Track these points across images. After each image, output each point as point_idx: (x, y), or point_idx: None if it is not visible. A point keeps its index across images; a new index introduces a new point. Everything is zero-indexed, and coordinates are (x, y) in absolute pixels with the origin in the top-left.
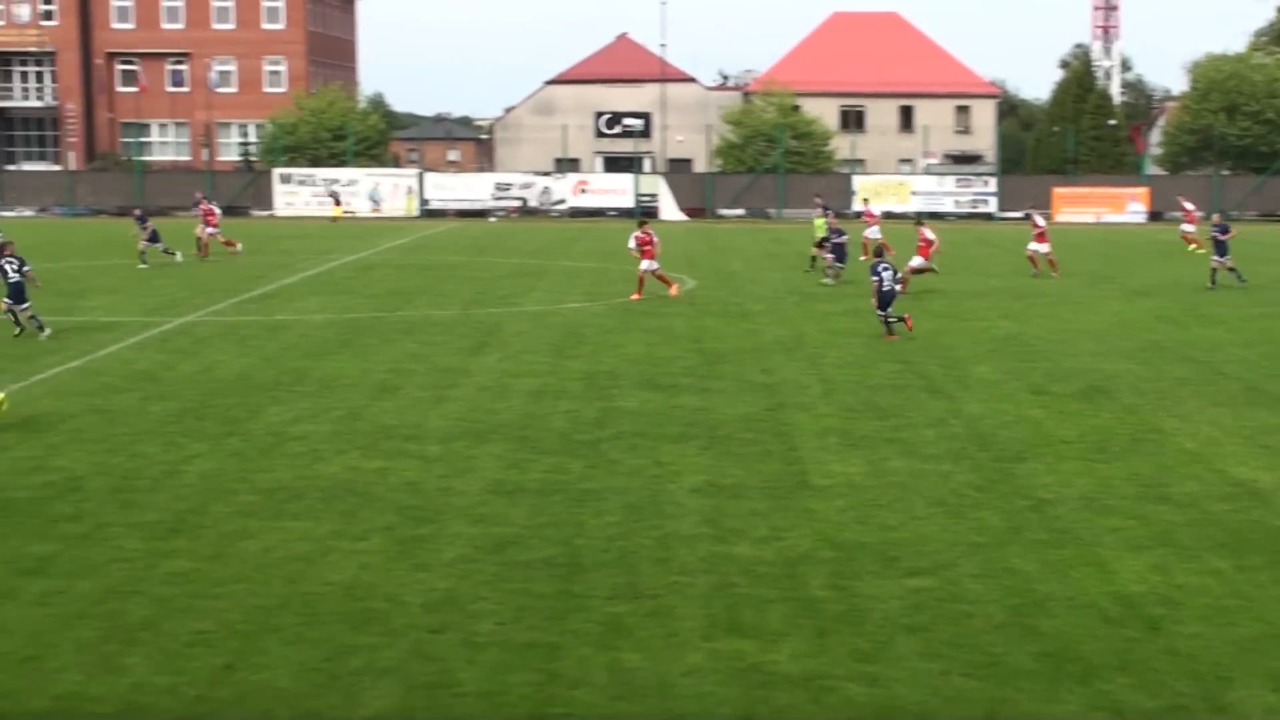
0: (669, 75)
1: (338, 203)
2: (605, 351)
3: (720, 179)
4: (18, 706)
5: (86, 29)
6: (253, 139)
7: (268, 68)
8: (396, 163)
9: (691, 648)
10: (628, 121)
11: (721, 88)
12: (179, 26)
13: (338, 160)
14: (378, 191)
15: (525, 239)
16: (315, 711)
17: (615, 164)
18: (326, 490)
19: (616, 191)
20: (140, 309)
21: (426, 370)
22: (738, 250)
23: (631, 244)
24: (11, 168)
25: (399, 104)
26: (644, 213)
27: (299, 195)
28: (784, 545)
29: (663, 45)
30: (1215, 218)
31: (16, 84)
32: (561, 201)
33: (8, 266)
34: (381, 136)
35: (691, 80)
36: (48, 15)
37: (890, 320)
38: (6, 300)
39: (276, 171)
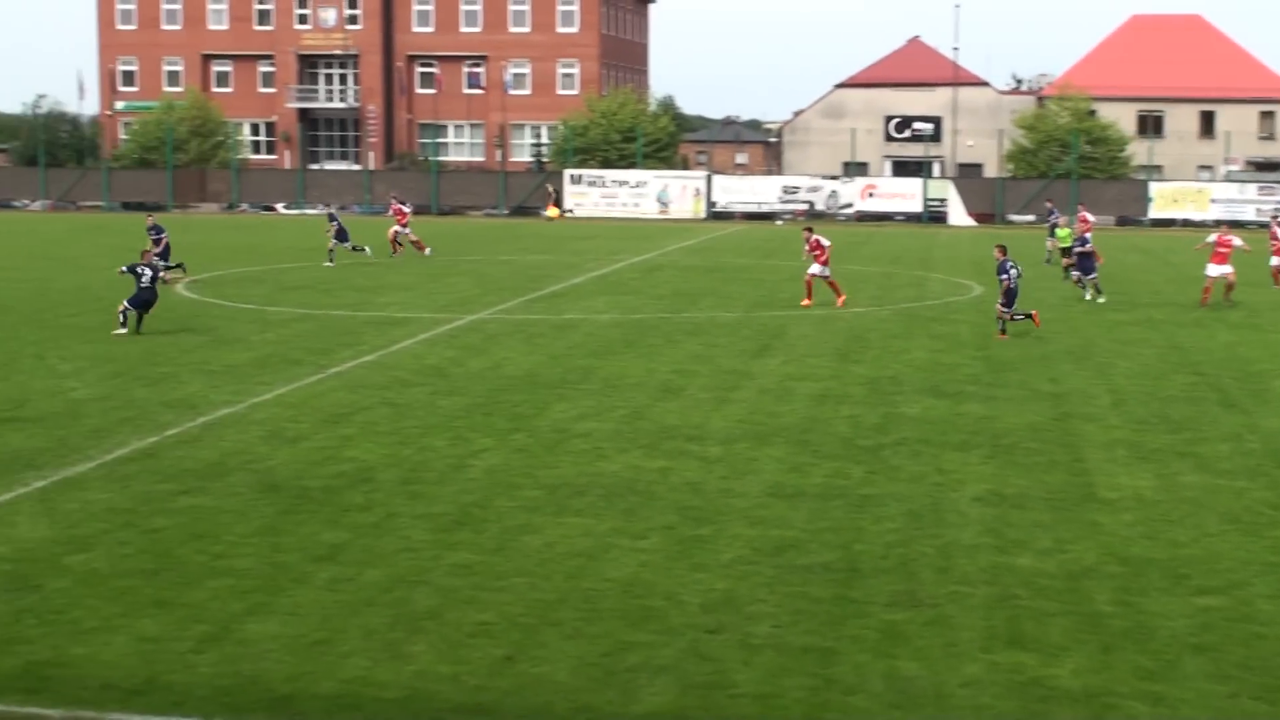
0: (961, 79)
1: (557, 203)
2: (889, 357)
3: (1011, 184)
4: (308, 689)
5: (388, 33)
6: (545, 140)
7: (561, 70)
8: (685, 165)
9: (970, 659)
10: (917, 125)
11: (1014, 92)
12: (476, 30)
13: (627, 162)
14: (666, 193)
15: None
16: (592, 706)
17: (904, 168)
18: (608, 488)
19: (905, 196)
20: (432, 305)
21: (710, 372)
22: (1026, 257)
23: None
24: (314, 166)
25: (688, 107)
26: (931, 218)
27: (588, 196)
28: (1068, 558)
29: (955, 49)
30: None
31: (321, 86)
32: (848, 205)
33: (145, 271)
34: (671, 139)
35: (984, 84)
36: (352, 20)
37: (1015, 317)
38: (129, 304)
39: (567, 172)
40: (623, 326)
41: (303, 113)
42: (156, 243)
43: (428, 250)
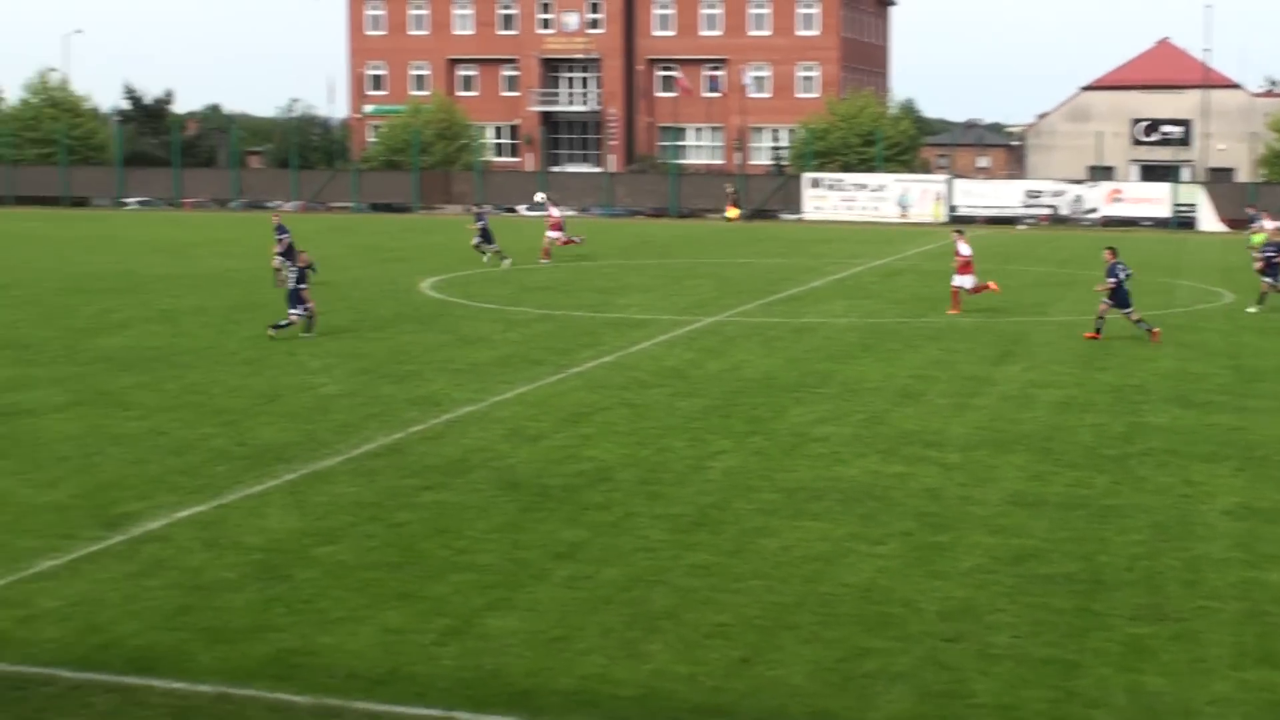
0: (1211, 81)
1: (736, 204)
2: (1135, 365)
3: (1265, 189)
4: (546, 684)
5: (630, 37)
6: (784, 143)
7: (801, 73)
8: (925, 169)
9: (1219, 676)
10: (1166, 129)
11: (1269, 94)
12: (716, 34)
13: (866, 165)
14: (906, 197)
15: (1054, 248)
16: (828, 711)
17: (1152, 172)
18: (846, 492)
19: (1152, 201)
20: (671, 308)
21: (949, 377)
22: None
23: (966, 250)
24: (556, 169)
25: (929, 110)
26: (1180, 224)
27: (827, 200)
28: None
29: (1206, 50)
30: None
31: (563, 89)
32: (1093, 210)
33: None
34: (911, 142)
35: (1236, 86)
36: (594, 24)
37: (1139, 323)
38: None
39: (806, 176)
40: (861, 330)
41: (545, 116)
42: (280, 242)
43: (581, 239)
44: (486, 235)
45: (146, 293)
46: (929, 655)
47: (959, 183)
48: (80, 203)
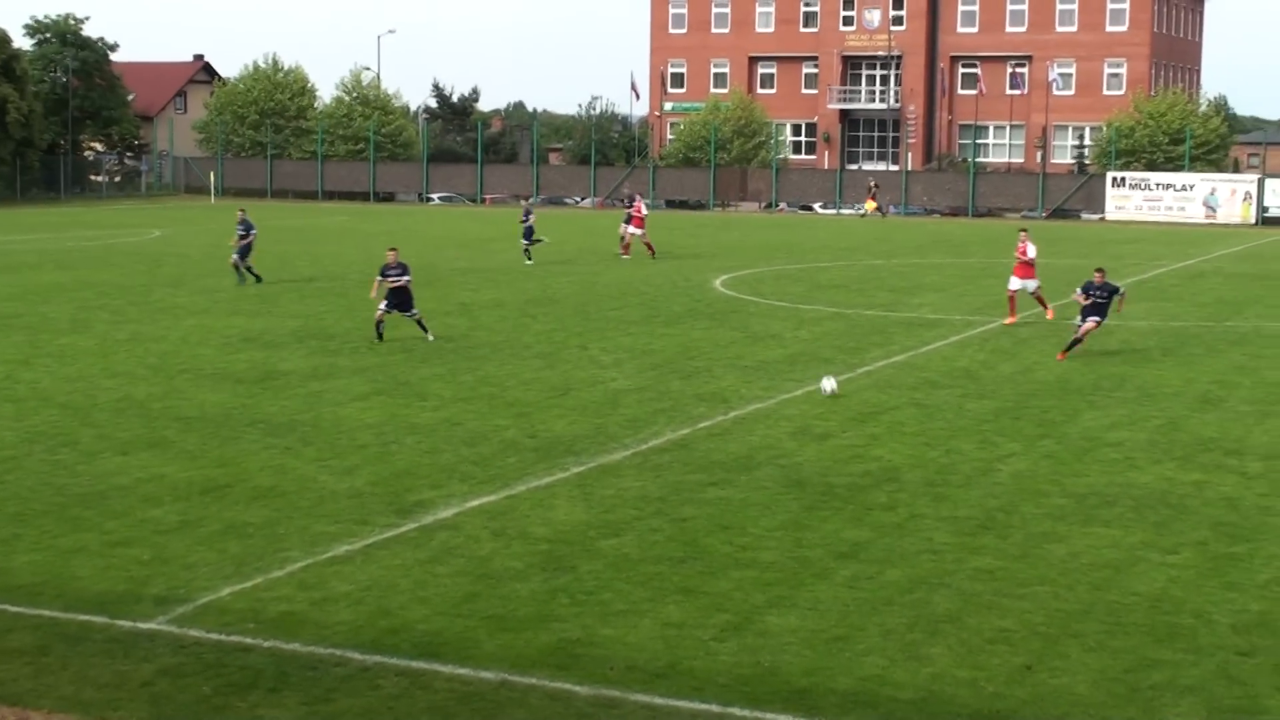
0: None
1: (873, 197)
2: None
3: None
4: (824, 683)
5: (933, 34)
6: (1087, 142)
7: (1108, 70)
8: (1235, 168)
9: None
10: None
11: None
12: (1021, 30)
13: (1173, 165)
14: (1213, 197)
15: None
16: None
17: None
18: (1139, 499)
19: None
20: (964, 308)
21: (1253, 383)
22: None
23: (1032, 251)
24: (853, 167)
25: (1242, 107)
26: None
27: (1130, 199)
28: None
29: None
30: None
31: (863, 87)
32: None
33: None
34: (1221, 141)
35: None
36: (897, 21)
37: None
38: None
39: (1109, 174)
40: (1161, 334)
41: (843, 113)
42: (243, 238)
43: (653, 252)
44: (528, 233)
45: (445, 286)
46: (1220, 669)
47: (1271, 182)
48: (387, 198)
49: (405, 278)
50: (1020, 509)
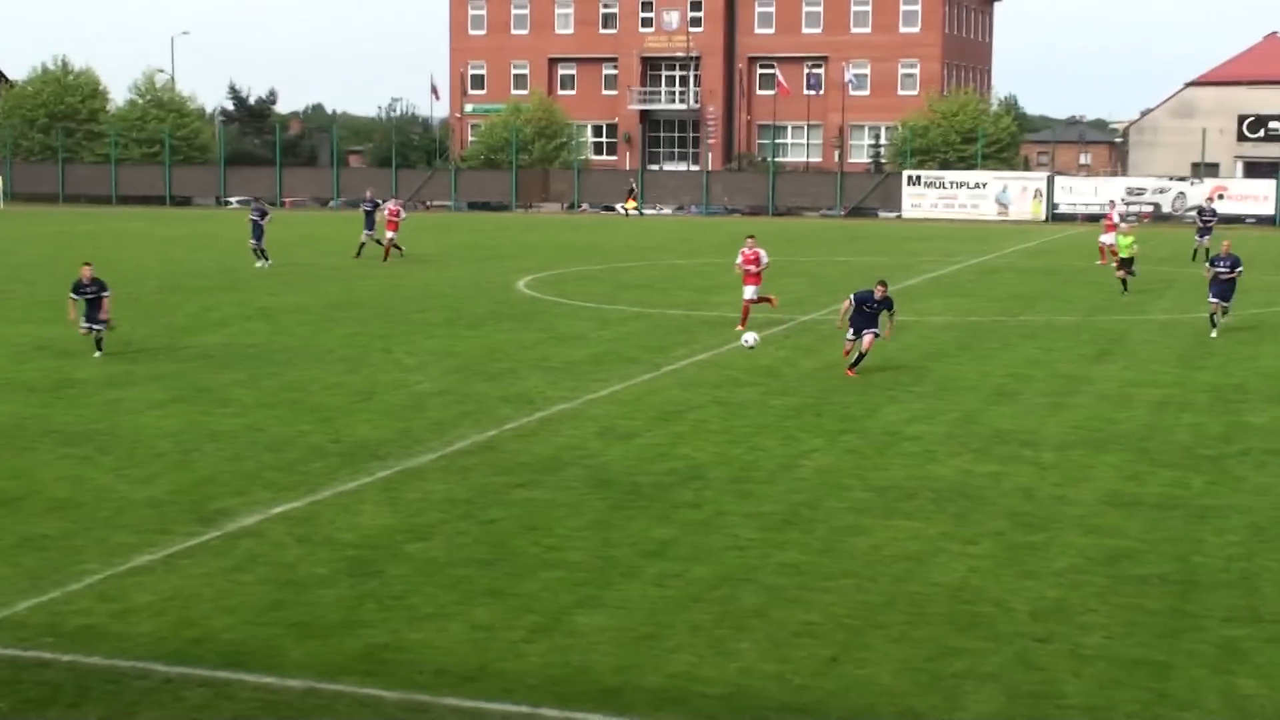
0: None
1: (632, 196)
2: (1235, 364)
3: None
4: (634, 681)
5: (731, 35)
6: (883, 141)
7: (902, 70)
8: (1026, 166)
9: None
10: (1273, 125)
11: None
12: (817, 31)
13: (966, 163)
14: (1005, 195)
15: (1156, 245)
16: (916, 711)
17: (1256, 169)
18: (938, 491)
19: (1257, 198)
20: (765, 306)
21: (1046, 376)
22: None
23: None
24: (654, 168)
25: (1031, 107)
26: None
27: (926, 197)
28: None
29: None
30: None
31: (663, 88)
32: (1195, 208)
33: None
34: (1012, 139)
35: None
36: (695, 22)
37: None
38: None
39: (905, 173)
40: (957, 329)
41: (644, 114)
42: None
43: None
44: (258, 231)
45: (246, 290)
46: (1019, 656)
47: (1060, 180)
48: (183, 202)
49: (104, 293)
50: (823, 503)
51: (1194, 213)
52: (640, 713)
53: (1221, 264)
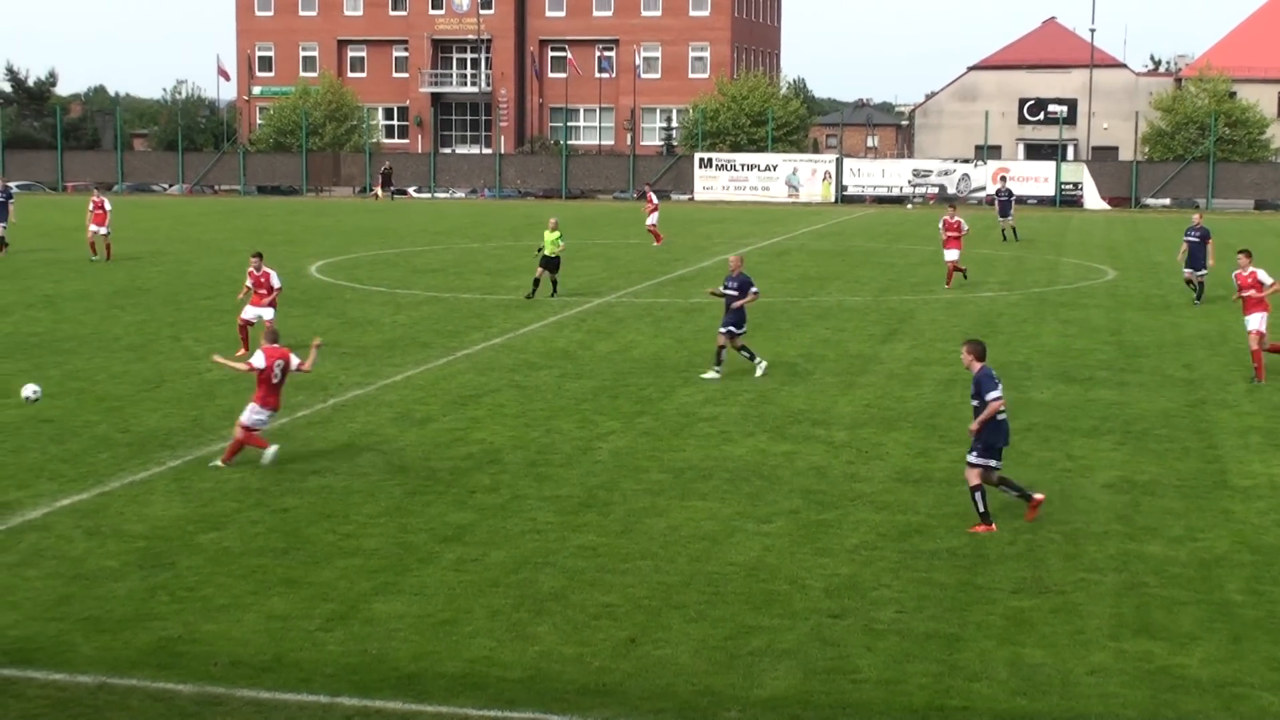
0: (1097, 61)
1: (386, 184)
2: (1019, 341)
3: (1146, 167)
4: (433, 668)
5: (521, 17)
6: (674, 124)
7: (692, 54)
8: (815, 148)
9: (1097, 646)
10: (1052, 108)
11: (1152, 73)
12: (608, 14)
13: (757, 146)
14: (795, 177)
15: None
16: (714, 689)
17: (1037, 151)
18: (734, 472)
19: (1037, 179)
20: (561, 289)
21: (837, 356)
22: (1162, 241)
23: (940, 225)
24: (446, 151)
25: (820, 90)
26: (1064, 202)
27: (717, 180)
28: (1199, 546)
29: (1091, 30)
30: None
31: (454, 71)
32: (980, 189)
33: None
34: (801, 122)
35: (1120, 66)
36: (485, 4)
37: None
38: None
39: (696, 156)
40: (750, 310)
41: (435, 97)
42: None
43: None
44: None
45: (27, 277)
46: (814, 632)
47: (848, 162)
48: None
49: None
50: (621, 486)
51: (994, 195)
52: (439, 699)
53: (1192, 234)
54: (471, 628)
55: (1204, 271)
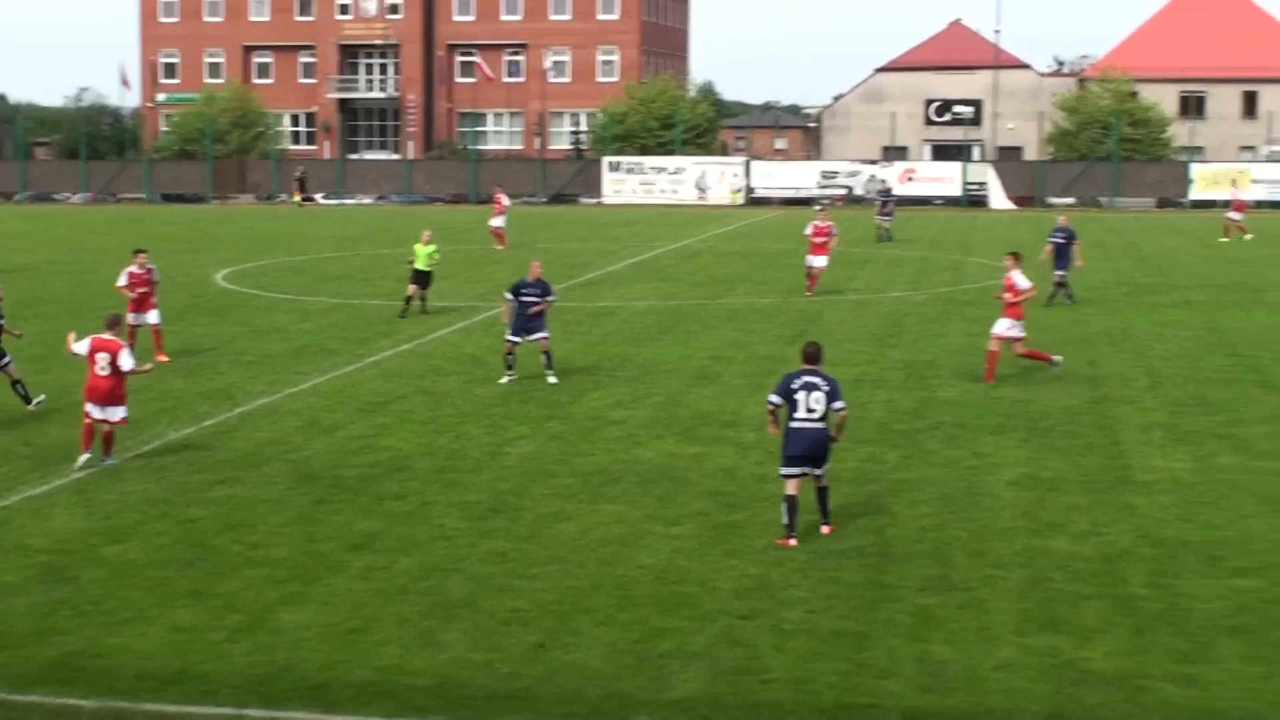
0: (1002, 61)
1: (302, 188)
2: (926, 341)
3: (1051, 167)
4: (341, 677)
5: (429, 22)
6: (584, 128)
7: (601, 58)
8: (724, 151)
9: (1003, 642)
10: (958, 109)
11: (1056, 74)
12: (517, 18)
13: (665, 149)
14: (704, 180)
15: (849, 227)
16: (624, 693)
17: (943, 152)
18: (643, 475)
19: (944, 180)
20: (469, 294)
21: (745, 358)
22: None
23: (808, 230)
24: (354, 157)
25: (728, 93)
26: (970, 202)
27: (626, 183)
28: (1103, 541)
29: (997, 31)
30: None
31: (361, 76)
32: (888, 189)
33: None
34: (710, 125)
35: (1025, 66)
36: (393, 9)
37: None
38: None
39: (605, 160)
40: (659, 313)
41: (343, 103)
42: None
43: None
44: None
45: None
46: (724, 633)
47: (757, 164)
48: None
49: None
50: (530, 490)
51: (875, 194)
52: (348, 708)
53: (1058, 235)
54: (380, 636)
55: (1065, 273)
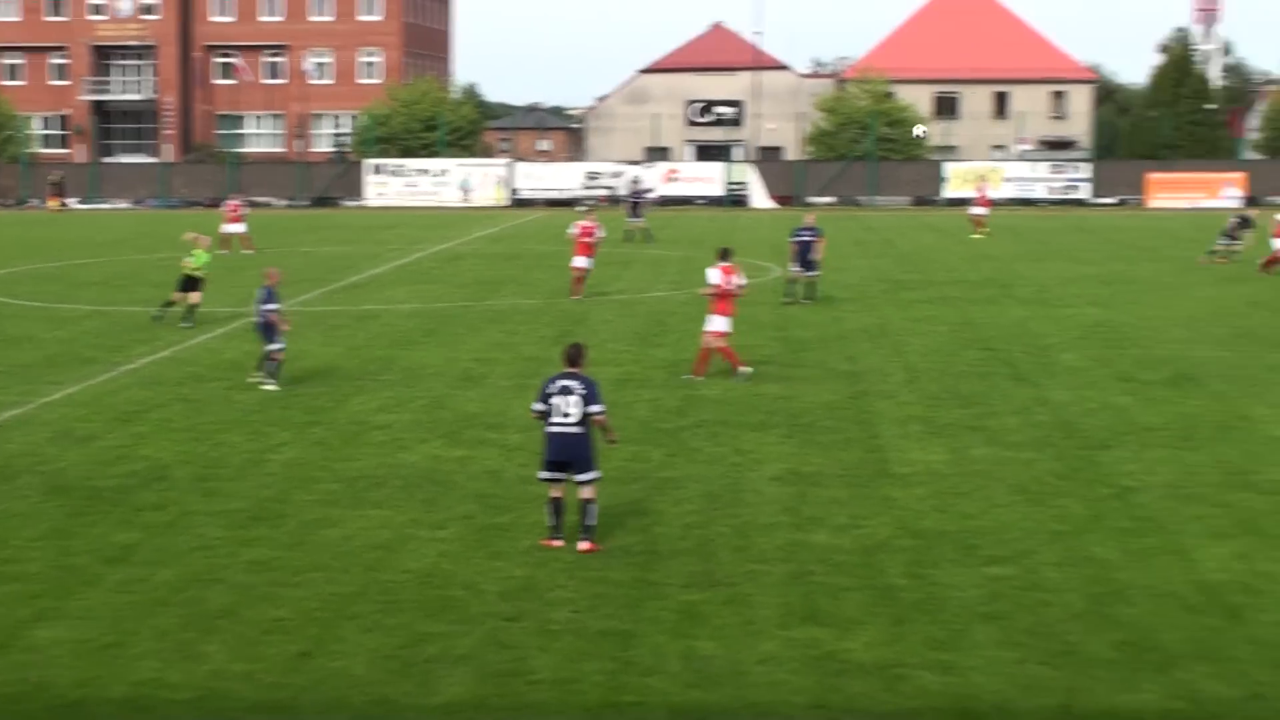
0: (762, 63)
1: (58, 195)
2: (689, 340)
3: (811, 166)
4: (98, 693)
5: (186, 22)
6: (346, 130)
7: (362, 59)
8: (488, 153)
9: (767, 636)
10: (719, 110)
11: (815, 75)
12: (277, 19)
13: (429, 151)
14: (468, 181)
15: (614, 227)
16: (389, 698)
17: (706, 152)
18: (407, 479)
19: (706, 180)
20: (230, 299)
21: (511, 359)
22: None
23: (573, 230)
24: (109, 160)
25: (492, 94)
26: (732, 201)
27: (390, 186)
28: (862, 533)
29: (757, 33)
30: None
31: (116, 78)
32: (651, 190)
33: None
34: (473, 127)
35: (785, 68)
36: (148, 9)
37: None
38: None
39: (368, 162)
40: (423, 316)
41: (97, 105)
42: None
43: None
44: None
45: None
46: (490, 636)
47: (521, 166)
48: None
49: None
50: (292, 497)
51: (627, 195)
52: None
53: (803, 234)
54: (138, 650)
55: (817, 272)
